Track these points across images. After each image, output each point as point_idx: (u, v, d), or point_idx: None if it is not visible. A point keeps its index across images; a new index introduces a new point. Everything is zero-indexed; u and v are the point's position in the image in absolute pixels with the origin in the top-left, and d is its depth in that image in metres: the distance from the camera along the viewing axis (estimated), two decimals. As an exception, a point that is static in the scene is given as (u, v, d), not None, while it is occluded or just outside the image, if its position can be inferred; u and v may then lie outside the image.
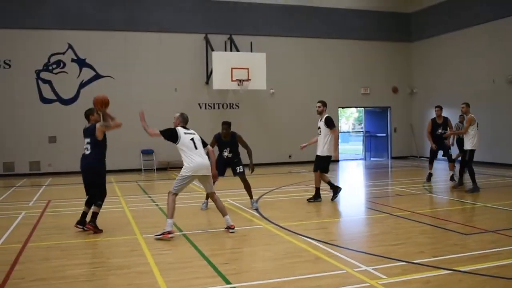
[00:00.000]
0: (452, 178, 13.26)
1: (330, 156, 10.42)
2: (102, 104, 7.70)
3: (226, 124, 9.81)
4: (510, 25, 17.31)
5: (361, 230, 8.32)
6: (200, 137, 7.97)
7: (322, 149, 10.35)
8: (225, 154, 9.77)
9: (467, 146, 11.56)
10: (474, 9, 18.94)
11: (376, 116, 23.28)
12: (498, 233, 7.31)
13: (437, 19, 20.88)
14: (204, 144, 7.96)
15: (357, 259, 6.01)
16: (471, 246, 6.65)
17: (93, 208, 7.93)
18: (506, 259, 5.94)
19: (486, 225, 7.87)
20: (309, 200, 10.51)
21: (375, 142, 23.23)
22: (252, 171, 9.89)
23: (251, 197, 9.92)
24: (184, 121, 8.09)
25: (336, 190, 10.62)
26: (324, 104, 10.54)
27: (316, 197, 10.49)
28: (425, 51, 21.82)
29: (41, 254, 6.63)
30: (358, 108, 26.55)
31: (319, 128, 10.47)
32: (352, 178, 16.94)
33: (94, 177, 7.92)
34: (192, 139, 7.80)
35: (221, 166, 9.65)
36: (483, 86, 18.29)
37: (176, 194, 7.68)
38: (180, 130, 7.90)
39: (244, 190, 9.94)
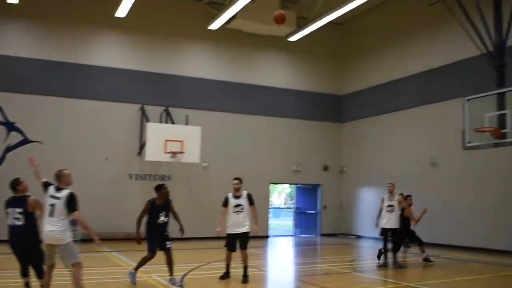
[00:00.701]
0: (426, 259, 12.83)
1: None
2: None
3: (164, 187, 9.63)
4: (433, 111, 18.39)
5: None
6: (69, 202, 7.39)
7: (248, 225, 10.16)
8: (162, 219, 9.44)
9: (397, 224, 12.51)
10: (401, 95, 20.07)
11: (307, 193, 23.64)
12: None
13: (366, 102, 21.93)
14: (71, 209, 7.39)
15: None
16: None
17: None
18: None
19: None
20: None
21: (305, 219, 23.43)
22: (183, 232, 9.73)
23: (172, 273, 9.59)
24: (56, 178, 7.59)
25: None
26: (241, 181, 10.38)
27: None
28: (355, 131, 22.71)
29: None
30: (290, 185, 26.92)
31: (239, 205, 10.13)
32: (282, 255, 16.86)
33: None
34: (52, 204, 7.30)
35: (158, 237, 9.31)
36: (409, 168, 19.08)
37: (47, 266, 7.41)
38: (50, 189, 7.50)
39: (166, 265, 9.59)
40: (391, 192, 12.46)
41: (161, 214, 9.42)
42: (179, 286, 9.35)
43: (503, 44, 13.27)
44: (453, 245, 16.60)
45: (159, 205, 9.43)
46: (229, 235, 10.15)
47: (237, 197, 10.18)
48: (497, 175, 15.67)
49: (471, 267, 12.49)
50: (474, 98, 12.97)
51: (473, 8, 13.38)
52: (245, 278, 9.88)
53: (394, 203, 12.38)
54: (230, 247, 10.15)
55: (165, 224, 9.51)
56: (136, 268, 9.34)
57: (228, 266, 10.20)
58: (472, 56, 15.43)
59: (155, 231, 9.33)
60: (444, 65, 18.14)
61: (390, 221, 12.35)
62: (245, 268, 10.05)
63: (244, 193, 10.25)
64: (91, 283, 9.47)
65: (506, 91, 12.29)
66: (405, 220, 12.74)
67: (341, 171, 23.26)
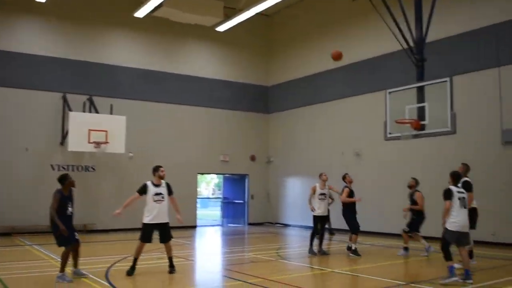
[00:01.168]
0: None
1: None
2: None
3: (69, 176, 9.31)
4: (359, 103, 18.97)
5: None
6: None
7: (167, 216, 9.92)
8: (70, 209, 9.06)
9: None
10: (327, 87, 20.53)
11: (235, 183, 23.78)
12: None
13: (293, 93, 22.29)
14: None
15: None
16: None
17: None
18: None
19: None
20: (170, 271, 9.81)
21: (233, 208, 23.57)
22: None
23: (77, 266, 9.30)
24: None
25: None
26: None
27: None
28: (281, 122, 23.03)
29: None
30: (218, 175, 26.96)
31: (159, 194, 9.80)
32: (209, 244, 16.88)
33: None
34: None
35: (70, 229, 9.00)
36: (333, 157, 19.60)
37: None
38: None
39: (72, 258, 9.27)
40: (324, 181, 12.84)
41: (69, 205, 9.05)
42: (83, 275, 9.14)
43: (423, 40, 13.83)
44: (377, 232, 17.25)
45: (66, 195, 9.07)
46: (148, 225, 9.75)
47: (157, 185, 9.88)
48: (415, 164, 16.41)
49: (394, 252, 13.02)
50: (396, 91, 13.47)
51: (396, 5, 13.86)
52: (171, 269, 9.78)
53: (326, 191, 12.84)
54: (146, 239, 9.73)
55: (72, 215, 9.15)
56: (63, 269, 8.84)
57: (136, 260, 9.68)
58: (395, 50, 15.99)
59: (67, 223, 8.92)
60: (369, 59, 18.73)
61: (321, 209, 12.72)
62: (170, 259, 9.84)
63: (163, 182, 9.96)
64: (12, 278, 9.10)
65: (425, 85, 12.86)
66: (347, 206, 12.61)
67: (268, 161, 23.54)
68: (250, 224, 22.68)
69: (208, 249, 15.20)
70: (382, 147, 17.21)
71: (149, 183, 9.87)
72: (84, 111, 18.57)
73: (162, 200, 9.78)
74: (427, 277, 9.51)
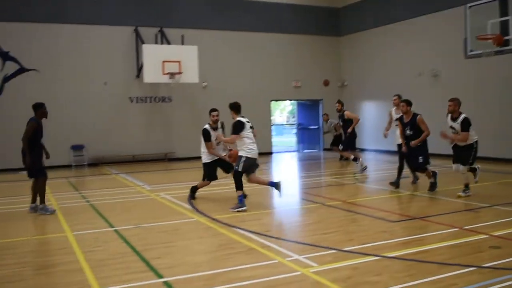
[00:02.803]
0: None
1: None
2: None
3: (44, 105, 9.13)
4: (434, 21, 18.02)
5: (294, 220, 8.46)
6: None
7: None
8: (41, 140, 9.08)
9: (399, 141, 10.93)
10: (401, 4, 19.59)
11: (308, 109, 23.69)
12: (424, 220, 7.64)
13: (365, 14, 21.46)
14: None
15: (289, 248, 6.11)
16: (398, 233, 6.92)
17: None
18: (430, 244, 6.21)
19: (413, 213, 8.20)
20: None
21: (307, 134, 23.63)
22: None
23: (35, 201, 9.17)
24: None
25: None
26: (219, 113, 10.05)
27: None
28: (354, 44, 22.38)
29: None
30: (291, 101, 26.94)
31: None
32: (286, 169, 17.16)
33: None
34: None
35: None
36: (409, 79, 18.97)
37: None
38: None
39: (33, 191, 9.21)
40: (397, 106, 11.63)
41: (41, 135, 9.04)
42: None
43: None
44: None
45: (41, 125, 9.03)
46: (210, 163, 10.00)
47: (214, 128, 10.01)
48: (497, 84, 15.60)
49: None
50: (476, 5, 12.67)
51: None
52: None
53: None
54: (213, 177, 10.02)
55: (42, 145, 9.17)
56: (34, 200, 9.03)
57: (197, 189, 10.14)
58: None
59: (40, 153, 8.99)
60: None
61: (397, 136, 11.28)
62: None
63: (219, 124, 10.04)
64: (103, 204, 9.78)
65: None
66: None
67: (341, 86, 23.17)
68: (325, 149, 22.73)
69: (285, 173, 15.47)
70: (461, 66, 16.43)
71: (207, 127, 9.95)
72: (156, 43, 18.92)
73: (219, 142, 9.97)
74: None
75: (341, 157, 17.31)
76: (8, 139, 15.69)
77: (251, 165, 8.97)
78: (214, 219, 7.97)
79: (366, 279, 4.92)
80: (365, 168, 13.56)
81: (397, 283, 4.76)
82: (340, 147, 14.41)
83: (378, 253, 5.78)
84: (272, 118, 23.03)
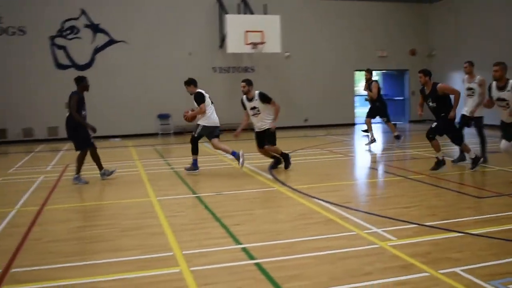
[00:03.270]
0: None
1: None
2: None
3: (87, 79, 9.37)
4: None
5: (374, 192, 8.35)
6: None
7: (267, 123, 9.88)
8: (84, 112, 9.32)
9: (478, 113, 9.86)
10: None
11: (394, 79, 23.03)
12: (513, 196, 7.27)
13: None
14: None
15: (368, 221, 6.03)
16: (484, 210, 6.63)
17: None
18: (519, 221, 5.92)
19: (501, 189, 7.80)
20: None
21: (392, 106, 22.97)
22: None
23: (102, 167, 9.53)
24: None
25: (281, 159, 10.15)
26: (249, 83, 9.78)
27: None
28: (443, 12, 21.32)
29: (57, 216, 6.78)
30: (376, 71, 26.26)
31: (254, 108, 9.77)
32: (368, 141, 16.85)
33: None
34: None
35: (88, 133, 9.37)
36: (508, 48, 17.80)
37: None
38: None
39: (96, 163, 9.52)
40: (469, 73, 10.22)
41: (84, 107, 9.25)
42: (111, 173, 9.53)
43: None
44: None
45: (82, 97, 9.22)
46: (255, 133, 10.13)
47: (250, 99, 9.83)
48: None
49: None
50: None
51: None
52: (285, 164, 9.99)
53: (474, 86, 10.04)
54: (257, 143, 10.12)
55: (85, 118, 9.34)
56: (79, 171, 9.18)
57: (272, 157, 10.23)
58: None
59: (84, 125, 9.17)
60: None
61: (467, 106, 10.17)
62: (277, 157, 10.11)
63: (256, 93, 9.77)
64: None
65: None
66: None
67: (429, 55, 22.23)
68: (411, 121, 22.07)
69: (366, 145, 15.21)
70: None
71: (244, 97, 9.89)
72: (239, 13, 19.00)
73: (258, 113, 9.82)
74: None
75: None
76: (98, 108, 16.47)
77: (209, 132, 9.80)
78: (294, 189, 8.01)
79: (447, 255, 4.78)
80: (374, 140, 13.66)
81: (479, 261, 4.58)
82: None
83: (461, 230, 5.58)
84: (355, 88, 22.59)
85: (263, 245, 5.21)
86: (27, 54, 17.66)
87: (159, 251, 5.08)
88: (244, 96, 9.88)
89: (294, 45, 19.91)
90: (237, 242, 5.31)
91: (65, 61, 18.15)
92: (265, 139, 9.90)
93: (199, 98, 9.75)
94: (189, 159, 9.99)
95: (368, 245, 5.11)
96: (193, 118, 9.85)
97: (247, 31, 17.52)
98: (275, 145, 9.96)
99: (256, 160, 10.86)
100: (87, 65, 18.24)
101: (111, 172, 9.50)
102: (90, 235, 5.81)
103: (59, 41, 18.09)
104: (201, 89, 10.06)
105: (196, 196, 7.73)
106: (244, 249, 5.07)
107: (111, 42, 18.48)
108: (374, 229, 5.66)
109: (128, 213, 6.84)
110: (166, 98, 18.64)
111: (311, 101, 20.56)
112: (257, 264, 4.61)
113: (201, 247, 5.17)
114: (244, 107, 10.01)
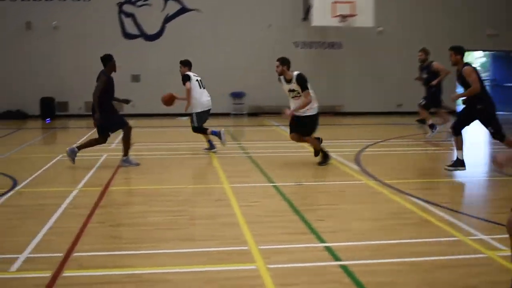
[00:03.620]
0: None
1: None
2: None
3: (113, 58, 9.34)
4: None
5: (480, 193, 8.05)
6: None
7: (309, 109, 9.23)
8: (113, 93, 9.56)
9: None
10: None
11: (506, 62, 22.08)
12: None
13: None
14: None
15: (473, 226, 5.81)
16: None
17: None
18: None
19: None
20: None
21: (503, 93, 22.03)
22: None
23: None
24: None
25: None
26: (284, 61, 9.17)
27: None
28: None
29: (121, 198, 7.03)
30: (484, 52, 25.26)
31: (292, 90, 9.20)
32: (474, 133, 16.27)
33: None
34: None
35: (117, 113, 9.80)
36: None
37: None
38: None
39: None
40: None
41: (113, 90, 9.27)
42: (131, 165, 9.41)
43: None
44: None
45: (112, 80, 9.18)
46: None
47: (288, 81, 9.25)
48: None
49: None
50: None
51: None
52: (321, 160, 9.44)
53: None
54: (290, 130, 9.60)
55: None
56: (127, 152, 9.32)
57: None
58: None
59: (113, 107, 9.28)
60: None
61: None
62: (324, 151, 9.44)
63: (294, 75, 9.12)
64: (261, 157, 10.16)
65: None
66: None
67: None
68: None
69: (472, 138, 14.70)
70: None
71: (281, 78, 9.35)
72: (328, -19, 18.79)
73: (298, 96, 9.18)
74: None
75: None
76: (165, 82, 16.80)
77: (205, 117, 10.82)
78: (385, 184, 7.86)
79: None
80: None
81: None
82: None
83: None
84: (459, 71, 21.84)
85: (349, 245, 5.13)
86: (93, 22, 18.27)
87: (233, 243, 5.12)
88: (282, 76, 9.39)
89: (389, 19, 19.44)
90: (320, 240, 5.26)
91: (133, 30, 18.66)
92: (299, 126, 9.36)
93: (185, 78, 10.58)
94: (265, 144, 10.02)
95: (473, 254, 4.92)
96: (170, 99, 10.63)
97: (336, 2, 17.33)
98: (309, 135, 9.38)
99: (341, 149, 10.74)
100: (156, 35, 18.67)
101: (135, 164, 9.39)
102: (157, 221, 5.95)
103: (127, 8, 18.60)
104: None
105: (273, 185, 7.74)
106: (327, 248, 5.01)
107: (183, 10, 18.80)
108: (480, 236, 5.44)
109: (199, 200, 6.96)
110: (241, 74, 18.79)
111: (406, 84, 19.98)
112: (343, 267, 4.54)
113: (279, 243, 5.17)
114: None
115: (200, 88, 10.66)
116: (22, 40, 18.31)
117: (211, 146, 10.72)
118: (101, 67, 9.09)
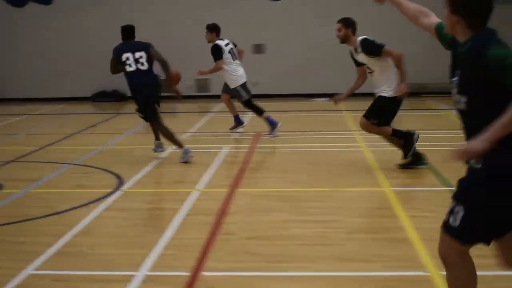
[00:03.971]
0: None
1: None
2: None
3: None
4: None
5: None
6: None
7: (384, 88, 8.58)
8: None
9: None
10: None
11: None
12: None
13: None
14: None
15: None
16: None
17: None
18: None
19: None
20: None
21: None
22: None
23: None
24: None
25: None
26: (347, 23, 8.61)
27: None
28: None
29: (253, 203, 7.10)
30: None
31: (361, 64, 8.74)
32: None
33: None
34: None
35: None
36: None
37: None
38: None
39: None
40: None
41: None
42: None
43: None
44: None
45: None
46: None
47: (356, 50, 8.67)
48: None
49: None
50: None
51: None
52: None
53: None
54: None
55: None
56: (180, 144, 9.68)
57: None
58: None
59: None
60: None
61: None
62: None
63: (358, 41, 8.56)
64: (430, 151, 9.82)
65: None
66: None
67: None
68: None
69: None
70: None
71: (352, 48, 8.75)
72: None
73: (372, 71, 8.59)
74: None
75: None
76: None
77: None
78: None
79: None
80: None
81: None
82: None
83: None
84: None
85: None
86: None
87: (405, 267, 5.05)
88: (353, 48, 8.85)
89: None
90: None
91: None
92: (372, 110, 8.82)
93: (216, 53, 11.54)
94: (434, 134, 9.72)
95: None
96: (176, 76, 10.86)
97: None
98: (386, 125, 8.83)
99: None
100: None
101: (161, 150, 9.91)
102: (303, 233, 5.96)
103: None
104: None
105: (450, 190, 7.50)
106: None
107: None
108: None
109: (355, 207, 6.90)
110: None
111: None
112: None
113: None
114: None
115: (234, 60, 11.72)
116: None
117: (239, 122, 12.23)
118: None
